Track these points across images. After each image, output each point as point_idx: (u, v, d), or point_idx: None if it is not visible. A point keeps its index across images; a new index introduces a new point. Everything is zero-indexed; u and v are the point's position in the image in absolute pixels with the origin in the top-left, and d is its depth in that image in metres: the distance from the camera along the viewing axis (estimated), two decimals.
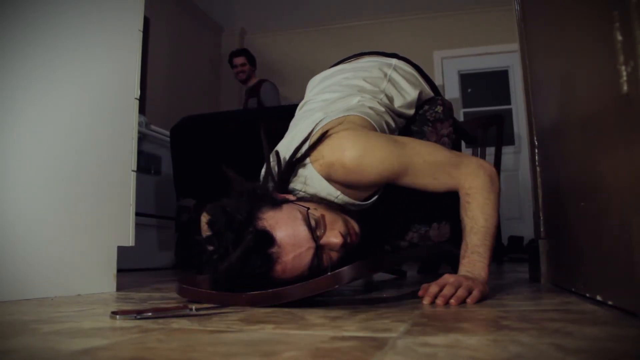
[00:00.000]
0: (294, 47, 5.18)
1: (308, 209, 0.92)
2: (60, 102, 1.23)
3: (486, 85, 4.96)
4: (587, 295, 0.86)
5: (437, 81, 4.81)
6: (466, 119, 4.53)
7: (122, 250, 1.36)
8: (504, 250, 3.17)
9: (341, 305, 0.89)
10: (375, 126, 1.14)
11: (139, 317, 0.73)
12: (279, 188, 1.02)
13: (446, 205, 1.34)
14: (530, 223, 1.44)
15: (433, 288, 0.89)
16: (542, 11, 1.18)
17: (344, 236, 0.94)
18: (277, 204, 0.93)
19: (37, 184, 1.15)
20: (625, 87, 0.63)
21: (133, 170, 1.41)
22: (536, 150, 1.33)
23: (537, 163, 1.33)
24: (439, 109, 1.38)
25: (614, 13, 0.64)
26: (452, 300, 0.85)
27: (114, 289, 1.32)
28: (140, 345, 0.53)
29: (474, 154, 3.11)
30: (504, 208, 3.89)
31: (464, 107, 4.85)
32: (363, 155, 0.99)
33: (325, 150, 1.02)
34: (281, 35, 5.27)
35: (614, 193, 0.70)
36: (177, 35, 3.44)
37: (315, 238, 0.91)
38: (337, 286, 0.85)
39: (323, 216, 0.95)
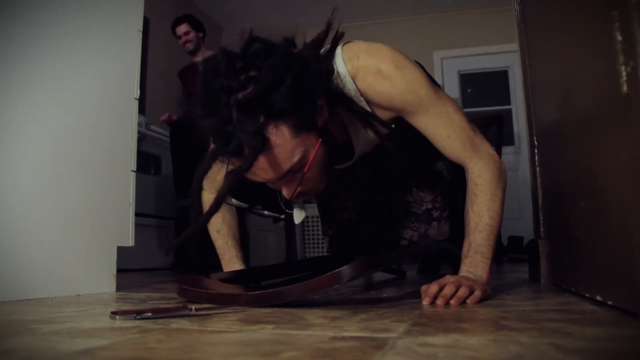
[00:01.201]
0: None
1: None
2: (60, 102, 1.23)
3: (486, 86, 4.97)
4: (587, 295, 0.86)
5: (437, 81, 4.82)
6: None
7: (121, 251, 1.36)
8: (504, 250, 3.17)
9: (341, 305, 0.89)
10: None
11: (138, 317, 0.73)
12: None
13: (445, 202, 1.35)
14: (530, 223, 1.44)
15: (433, 288, 0.88)
16: (542, 11, 1.18)
17: (296, 194, 0.92)
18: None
19: (37, 184, 1.15)
20: (625, 88, 0.63)
21: (133, 171, 1.42)
22: (536, 151, 1.33)
23: (537, 163, 1.33)
24: None
25: (613, 13, 0.64)
26: (452, 301, 0.84)
27: (114, 289, 1.32)
28: (139, 346, 0.53)
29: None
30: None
31: (464, 107, 4.86)
32: (400, 67, 0.95)
33: (362, 52, 0.97)
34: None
35: (614, 193, 0.70)
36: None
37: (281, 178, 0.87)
38: (336, 286, 0.85)
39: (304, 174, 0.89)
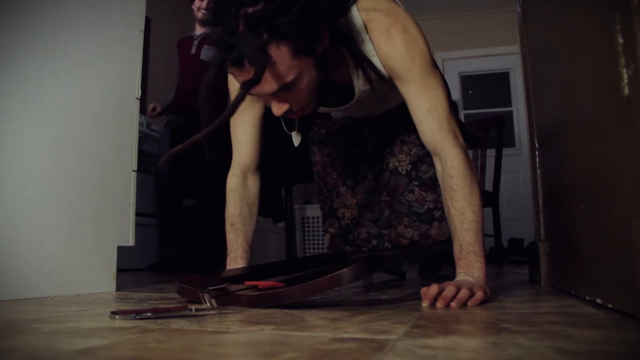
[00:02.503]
0: None
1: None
2: (61, 102, 1.23)
3: (487, 87, 4.97)
4: (587, 298, 0.86)
5: None
6: (467, 120, 4.53)
7: (121, 250, 1.36)
8: (504, 252, 3.17)
9: (341, 306, 0.89)
10: None
11: (138, 317, 0.73)
12: None
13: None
14: (530, 225, 1.44)
15: (433, 289, 0.88)
16: (543, 13, 1.18)
17: (285, 112, 0.97)
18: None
19: (37, 183, 1.16)
20: (626, 90, 0.63)
21: (133, 170, 1.42)
22: (537, 153, 1.33)
23: (537, 165, 1.33)
24: None
25: (615, 15, 0.64)
26: (452, 303, 0.84)
27: (114, 288, 1.32)
28: (139, 346, 0.53)
29: (475, 155, 3.12)
30: (504, 210, 3.89)
31: (465, 109, 4.86)
32: (407, 32, 1.01)
33: (381, 8, 1.02)
34: None
35: (614, 196, 0.70)
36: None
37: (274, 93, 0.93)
38: (336, 288, 0.85)
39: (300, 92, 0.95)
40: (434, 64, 1.06)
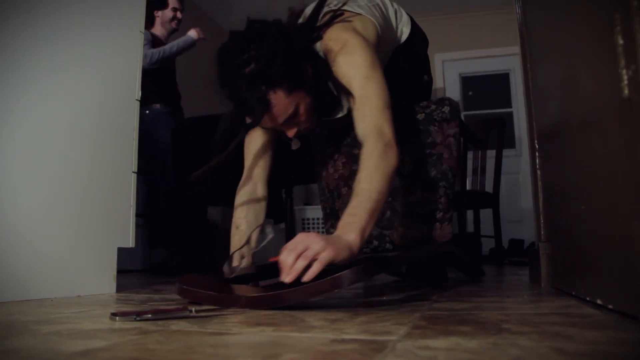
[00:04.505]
0: None
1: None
2: (61, 103, 1.23)
3: (487, 88, 4.97)
4: (588, 298, 0.86)
5: (439, 84, 4.81)
6: (467, 122, 4.53)
7: (121, 251, 1.36)
8: (505, 253, 3.17)
9: (341, 307, 0.89)
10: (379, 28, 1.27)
11: (138, 318, 0.73)
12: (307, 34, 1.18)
13: (449, 204, 1.35)
14: (531, 226, 1.45)
15: (291, 259, 0.86)
16: (543, 14, 1.18)
17: (296, 133, 1.18)
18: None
19: (37, 184, 1.16)
20: (626, 91, 0.63)
21: (133, 172, 1.42)
22: (537, 154, 1.33)
23: (537, 166, 1.33)
24: (446, 109, 1.39)
25: (615, 16, 0.64)
26: (304, 277, 0.85)
27: (114, 290, 1.32)
28: (139, 347, 0.53)
29: (475, 157, 3.12)
30: (504, 211, 3.89)
31: (465, 110, 4.86)
32: (349, 52, 1.15)
33: (333, 38, 1.18)
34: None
35: (615, 196, 0.70)
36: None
37: (285, 122, 1.13)
38: (337, 290, 0.85)
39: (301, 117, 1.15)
40: (377, 68, 1.16)
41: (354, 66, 1.14)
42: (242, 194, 1.32)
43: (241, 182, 1.35)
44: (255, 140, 1.36)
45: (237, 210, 1.30)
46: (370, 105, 1.10)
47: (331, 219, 1.50)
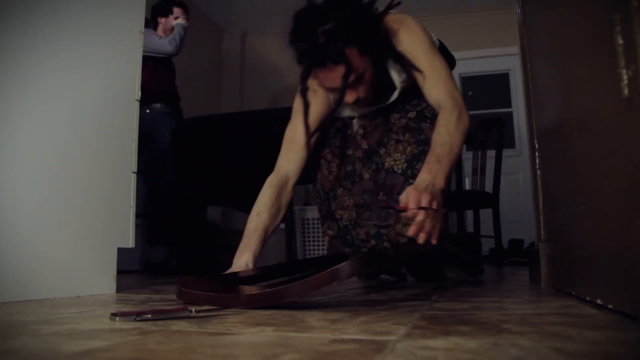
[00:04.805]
0: None
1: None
2: (61, 104, 1.23)
3: (487, 88, 4.97)
4: (587, 298, 0.86)
5: None
6: None
7: (121, 252, 1.36)
8: (504, 253, 3.17)
9: (341, 307, 0.89)
10: None
11: (138, 318, 0.73)
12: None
13: (444, 201, 1.35)
14: (531, 226, 1.44)
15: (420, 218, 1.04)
16: (543, 14, 1.18)
17: (357, 99, 1.27)
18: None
19: (37, 185, 1.16)
20: (626, 91, 0.63)
21: (133, 172, 1.42)
22: (537, 154, 1.33)
23: (537, 166, 1.33)
24: None
25: (615, 16, 0.64)
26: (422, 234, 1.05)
27: (114, 290, 1.32)
28: (139, 347, 0.53)
29: (475, 157, 3.12)
30: (504, 211, 3.89)
31: None
32: (411, 29, 1.32)
33: (392, 17, 1.32)
34: (282, 37, 5.27)
35: (614, 196, 0.70)
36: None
37: (345, 85, 1.21)
38: (335, 283, 0.85)
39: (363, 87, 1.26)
40: (432, 44, 1.33)
41: (417, 40, 1.30)
42: (270, 183, 1.34)
43: (273, 174, 1.37)
44: (292, 132, 1.40)
45: (262, 198, 1.31)
46: (440, 75, 1.27)
47: (328, 220, 1.50)
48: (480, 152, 3.07)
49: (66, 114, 1.25)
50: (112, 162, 1.36)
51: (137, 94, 1.46)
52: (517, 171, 4.47)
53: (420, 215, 1.03)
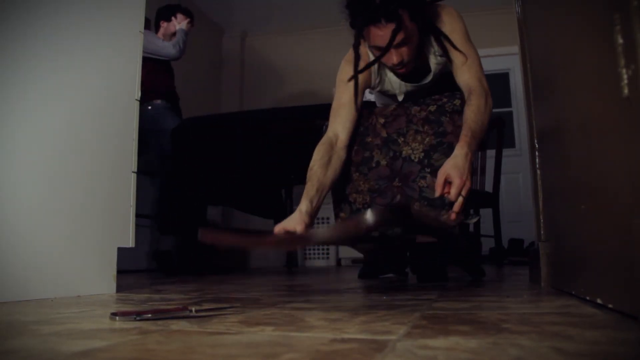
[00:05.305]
0: (294, 49, 5.19)
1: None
2: (61, 103, 1.23)
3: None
4: (587, 298, 0.86)
5: None
6: None
7: (121, 252, 1.36)
8: (504, 252, 3.17)
9: (341, 307, 0.90)
10: None
11: (138, 318, 0.73)
12: None
13: None
14: (531, 226, 1.44)
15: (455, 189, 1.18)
16: (543, 14, 1.18)
17: (399, 62, 1.34)
18: None
19: (37, 185, 1.16)
20: (626, 90, 0.62)
21: (133, 172, 1.42)
22: (537, 153, 1.33)
23: (537, 166, 1.33)
24: (457, 102, 1.45)
25: (614, 16, 0.64)
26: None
27: (114, 290, 1.32)
28: (139, 347, 0.53)
29: (475, 156, 3.11)
30: (504, 210, 3.89)
31: None
32: (457, 21, 1.46)
33: (447, 13, 1.45)
34: (282, 37, 5.28)
35: (614, 196, 0.70)
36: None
37: (392, 40, 1.27)
38: (363, 230, 0.85)
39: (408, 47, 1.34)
40: (468, 34, 1.46)
41: (457, 25, 1.42)
42: (319, 143, 1.39)
43: (325, 136, 1.42)
44: (338, 102, 1.45)
45: (313, 155, 1.36)
46: (473, 60, 1.40)
47: (341, 203, 1.52)
48: (480, 152, 3.07)
49: (66, 114, 1.25)
50: (112, 162, 1.36)
51: (137, 94, 1.46)
52: (517, 171, 4.47)
53: (461, 203, 1.17)
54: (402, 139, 1.48)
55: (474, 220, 1.78)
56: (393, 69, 1.41)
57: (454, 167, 1.21)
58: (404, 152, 1.47)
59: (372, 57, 1.41)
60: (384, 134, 1.51)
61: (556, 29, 1.06)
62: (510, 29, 1.77)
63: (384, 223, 0.91)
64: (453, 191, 1.19)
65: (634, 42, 0.60)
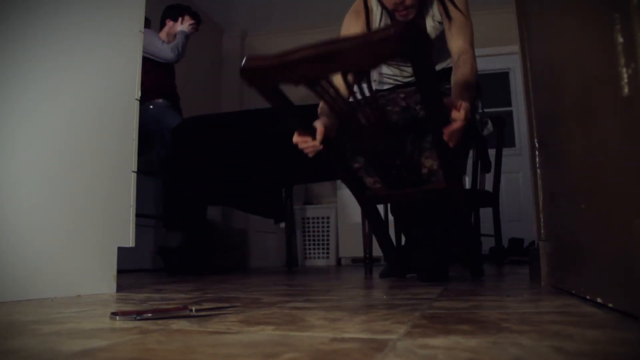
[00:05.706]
0: None
1: None
2: (61, 103, 1.23)
3: (487, 87, 4.95)
4: (588, 297, 0.86)
5: None
6: None
7: (121, 251, 1.36)
8: (505, 252, 3.17)
9: (341, 306, 0.90)
10: None
11: (138, 318, 0.73)
12: None
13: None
14: (531, 225, 1.44)
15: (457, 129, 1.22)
16: (543, 13, 1.18)
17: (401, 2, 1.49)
18: None
19: (37, 184, 1.16)
20: (626, 90, 0.62)
21: (133, 171, 1.42)
22: (537, 152, 1.33)
23: (537, 165, 1.33)
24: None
25: (614, 15, 0.64)
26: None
27: (114, 289, 1.32)
28: (139, 347, 0.53)
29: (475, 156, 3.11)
30: (504, 210, 3.89)
31: None
32: None
33: None
34: (282, 37, 5.27)
35: (614, 195, 0.70)
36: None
37: None
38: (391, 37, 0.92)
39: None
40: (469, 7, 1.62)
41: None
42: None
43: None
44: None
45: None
46: (468, 25, 1.58)
47: (355, 156, 1.67)
48: (479, 152, 3.07)
49: (66, 114, 1.25)
50: (112, 162, 1.36)
51: (137, 94, 1.46)
52: (517, 170, 4.47)
53: (461, 122, 1.21)
54: (419, 107, 1.66)
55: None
56: (395, 9, 1.51)
57: (457, 99, 1.28)
58: (420, 115, 1.64)
59: (377, 12, 1.57)
60: (403, 104, 1.72)
61: (556, 28, 1.06)
62: (511, 28, 1.77)
63: (406, 38, 0.94)
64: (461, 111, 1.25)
65: (634, 41, 0.60)
